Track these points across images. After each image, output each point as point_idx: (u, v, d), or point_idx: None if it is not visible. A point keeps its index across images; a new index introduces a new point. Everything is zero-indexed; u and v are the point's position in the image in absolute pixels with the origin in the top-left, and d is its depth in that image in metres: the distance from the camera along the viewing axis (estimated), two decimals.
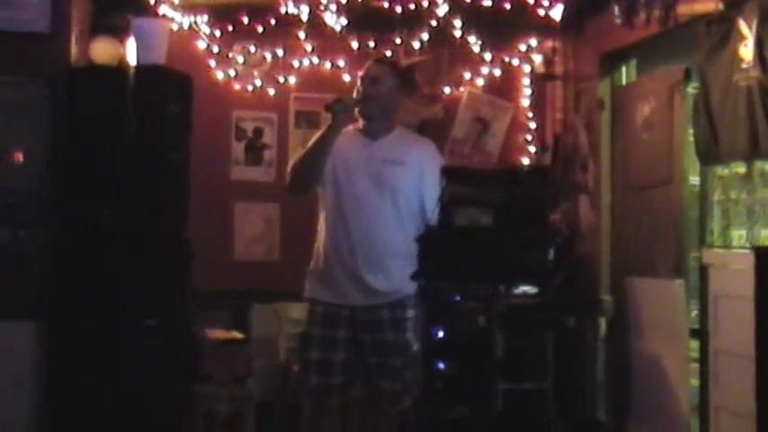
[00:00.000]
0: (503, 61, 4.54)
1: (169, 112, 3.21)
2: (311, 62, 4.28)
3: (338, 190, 2.57)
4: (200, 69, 4.15)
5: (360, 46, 4.28)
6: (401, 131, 2.72)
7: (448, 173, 4.03)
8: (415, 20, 4.19)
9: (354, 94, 2.65)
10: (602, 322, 4.07)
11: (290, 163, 2.69)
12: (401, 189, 2.55)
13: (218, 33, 4.27)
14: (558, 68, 4.54)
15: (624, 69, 4.13)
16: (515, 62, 4.58)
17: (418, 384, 2.58)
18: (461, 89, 4.56)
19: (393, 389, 2.52)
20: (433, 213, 2.46)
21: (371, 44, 4.30)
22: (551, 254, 3.73)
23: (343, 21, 4.16)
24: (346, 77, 4.27)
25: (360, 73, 2.70)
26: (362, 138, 2.66)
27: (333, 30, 4.22)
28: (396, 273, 2.50)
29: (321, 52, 4.31)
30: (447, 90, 4.53)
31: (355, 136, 2.71)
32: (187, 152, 3.33)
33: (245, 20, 4.20)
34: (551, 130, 4.59)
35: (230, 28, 4.23)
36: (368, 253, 2.50)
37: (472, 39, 4.42)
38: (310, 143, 2.62)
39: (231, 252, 4.26)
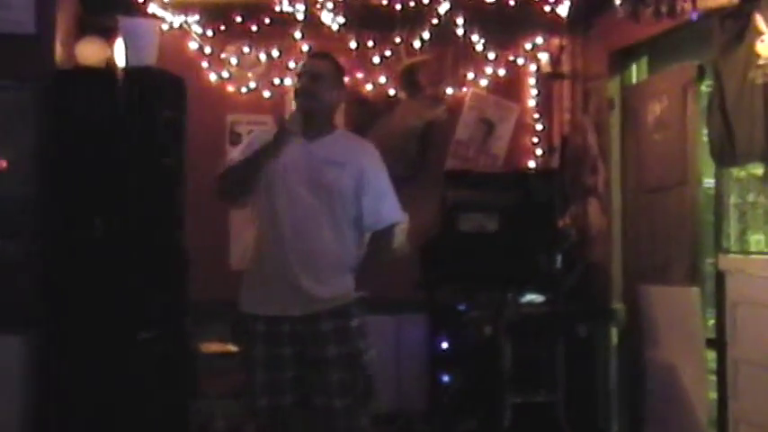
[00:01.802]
0: (508, 60, 4.53)
1: (162, 116, 3.20)
2: None
3: (272, 194, 2.48)
4: (193, 71, 4.16)
5: (358, 45, 4.28)
6: (342, 133, 2.67)
7: (452, 177, 4.36)
8: (416, 18, 4.18)
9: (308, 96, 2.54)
10: (615, 331, 4.02)
11: (221, 169, 2.55)
12: (339, 192, 2.47)
13: (210, 33, 4.27)
14: (566, 67, 4.52)
15: (635, 67, 4.10)
16: (521, 61, 4.57)
17: (377, 396, 2.50)
18: (465, 90, 4.54)
19: (344, 405, 2.43)
20: (372, 223, 2.45)
21: (370, 43, 4.32)
22: (560, 260, 4.04)
23: (341, 19, 4.15)
24: (345, 79, 4.29)
25: (298, 67, 2.62)
26: (300, 138, 2.55)
27: (330, 29, 4.20)
28: (334, 278, 2.45)
29: None
30: (450, 91, 4.51)
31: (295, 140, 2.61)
32: (181, 157, 3.32)
33: (239, 19, 4.19)
34: (559, 132, 4.56)
35: (223, 28, 4.23)
36: (304, 258, 2.42)
37: (475, 37, 4.41)
38: (251, 155, 2.51)
39: (227, 261, 4.19)
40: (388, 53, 4.36)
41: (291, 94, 2.60)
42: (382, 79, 4.43)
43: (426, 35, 4.32)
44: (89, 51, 3.48)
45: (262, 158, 2.41)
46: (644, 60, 4.04)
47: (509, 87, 4.62)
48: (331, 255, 2.43)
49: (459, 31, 4.34)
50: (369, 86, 4.44)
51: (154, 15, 4.02)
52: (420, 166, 4.48)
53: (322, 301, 2.42)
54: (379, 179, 2.52)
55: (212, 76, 4.36)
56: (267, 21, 4.19)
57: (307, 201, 2.44)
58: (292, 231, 2.42)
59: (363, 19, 4.18)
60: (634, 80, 4.11)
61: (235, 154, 2.58)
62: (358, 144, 2.62)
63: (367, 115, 4.41)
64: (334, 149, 2.51)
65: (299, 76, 2.53)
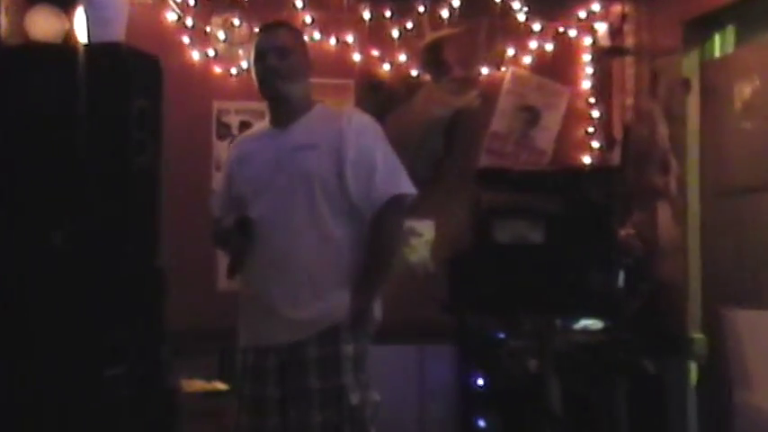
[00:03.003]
0: (556, 33, 4.48)
1: (133, 104, 3.13)
2: (312, 38, 4.21)
3: (245, 204, 2.55)
4: (171, 48, 4.13)
5: (373, 17, 4.26)
6: (321, 109, 2.60)
7: (486, 177, 4.21)
8: None
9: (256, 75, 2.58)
10: (693, 367, 3.99)
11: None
12: (318, 179, 2.45)
13: (192, 2, 4.21)
14: (629, 40, 4.45)
15: (718, 39, 4.03)
16: (572, 33, 4.51)
17: None
18: (503, 69, 4.50)
19: None
20: (366, 205, 2.40)
21: (388, 14, 4.28)
22: (622, 278, 3.85)
23: None
24: (356, 57, 4.30)
25: (254, 46, 2.59)
26: (271, 131, 2.59)
27: None
28: (317, 295, 2.42)
29: (324, 26, 4.28)
30: (485, 71, 4.46)
31: (262, 134, 2.66)
32: (157, 155, 3.28)
33: None
34: (620, 121, 4.50)
35: None
36: (279, 273, 2.43)
37: (516, 4, 4.36)
38: (216, 232, 2.63)
39: (213, 281, 4.16)
40: (408, 26, 4.34)
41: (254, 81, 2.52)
42: (402, 58, 4.40)
43: (456, 3, 4.30)
44: (42, 24, 3.49)
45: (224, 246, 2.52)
46: (729, 30, 3.97)
47: (558, 66, 4.56)
48: (312, 264, 2.40)
49: None
50: (385, 67, 4.41)
51: None
52: (447, 165, 4.46)
53: (304, 325, 2.41)
54: (365, 148, 2.45)
55: (195, 55, 4.30)
56: None
57: (280, 201, 2.44)
58: (266, 242, 2.42)
59: None
60: (716, 55, 4.04)
61: (217, 191, 2.68)
62: (335, 115, 2.56)
63: (382, 102, 4.36)
64: (308, 131, 2.51)
65: (259, 57, 2.50)
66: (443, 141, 4.46)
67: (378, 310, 2.47)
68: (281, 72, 2.48)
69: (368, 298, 2.40)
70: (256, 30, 3.88)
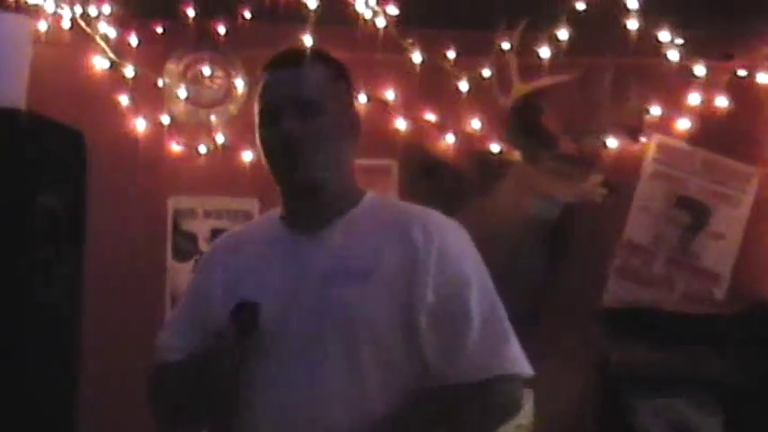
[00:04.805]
0: (732, 78, 4.15)
1: (39, 206, 3.20)
2: None
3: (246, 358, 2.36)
4: (102, 114, 4.01)
5: (426, 60, 4.02)
6: (374, 205, 2.37)
7: (617, 320, 4.04)
8: (541, 4, 3.87)
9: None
10: None
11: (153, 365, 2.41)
12: (363, 328, 2.24)
13: (134, 41, 4.03)
14: None
15: None
16: (762, 79, 4.17)
17: None
18: (644, 140, 4.17)
19: None
20: (445, 374, 2.20)
21: (451, 54, 4.02)
22: None
23: (393, 9, 3.91)
24: (400, 123, 4.13)
25: (259, 95, 2.29)
26: (286, 234, 2.34)
27: (369, 26, 3.99)
28: None
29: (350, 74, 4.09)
30: (612, 143, 4.11)
31: (270, 237, 2.38)
32: (76, 282, 3.39)
33: (190, 12, 3.94)
34: None
35: (160, 30, 4.01)
36: None
37: (664, 35, 4.01)
38: (184, 366, 2.32)
39: None
40: (485, 73, 4.00)
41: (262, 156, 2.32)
42: (474, 124, 4.14)
43: (562, 34, 3.92)
44: None
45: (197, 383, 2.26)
46: None
47: (737, 133, 4.18)
48: None
49: (633, 24, 3.98)
50: (447, 139, 4.19)
51: (24, 4, 3.78)
52: (552, 296, 4.08)
53: None
54: (455, 285, 2.22)
55: (140, 124, 4.07)
56: (247, 15, 3.95)
57: (300, 362, 2.26)
58: (277, 419, 2.27)
59: (434, 8, 3.90)
60: None
61: (169, 325, 2.48)
62: (401, 219, 2.33)
63: (443, 194, 4.14)
64: (354, 245, 2.29)
65: (268, 116, 2.25)
66: (546, 258, 4.11)
67: None
68: (312, 143, 2.21)
69: None
70: (239, 80, 4.12)
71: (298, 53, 2.36)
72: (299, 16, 3.93)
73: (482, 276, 2.28)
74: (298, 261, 2.28)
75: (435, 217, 2.34)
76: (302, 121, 2.18)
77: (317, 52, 2.35)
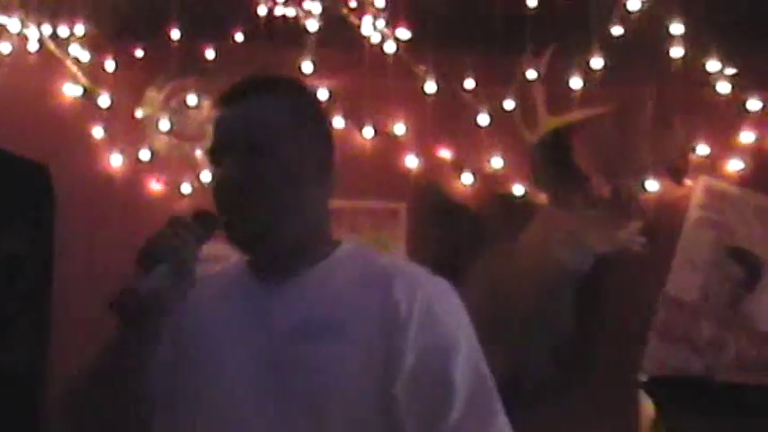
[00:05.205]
0: None
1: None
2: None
3: (190, 414, 2.11)
4: (72, 147, 3.91)
5: (441, 87, 3.89)
6: (349, 256, 2.19)
7: (660, 392, 4.02)
8: (571, 23, 3.76)
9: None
10: None
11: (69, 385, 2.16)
12: (335, 397, 2.05)
13: (110, 65, 3.93)
14: None
15: None
16: None
17: None
18: (688, 182, 4.12)
19: None
20: None
21: (469, 84, 3.91)
22: None
23: (404, 33, 3.84)
24: (410, 160, 4.01)
25: (210, 131, 2.08)
26: (252, 282, 2.14)
27: (376, 50, 3.87)
28: None
29: (352, 105, 4.05)
30: (652, 185, 4.07)
31: (233, 282, 2.20)
32: (39, 347, 3.44)
33: (175, 34, 3.86)
34: None
35: (140, 53, 3.92)
36: None
37: (714, 65, 3.94)
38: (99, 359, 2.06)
39: None
40: (507, 105, 3.91)
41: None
42: (495, 163, 4.07)
43: (596, 62, 3.83)
44: None
45: (116, 362, 2.00)
46: None
47: None
48: None
49: (677, 51, 3.90)
50: (464, 179, 4.12)
51: None
52: (583, 359, 4.03)
53: None
54: (437, 350, 2.04)
55: (115, 159, 4.00)
56: (239, 36, 3.87)
57: (261, 425, 2.07)
58: None
59: (451, 30, 3.83)
60: None
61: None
62: (378, 272, 2.14)
63: (458, 241, 4.07)
64: (324, 297, 2.11)
65: (212, 159, 2.08)
66: (576, 315, 4.01)
67: None
68: (255, 192, 2.03)
69: None
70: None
71: (247, 85, 2.14)
72: (297, 39, 3.88)
73: (470, 342, 2.11)
74: (259, 313, 2.08)
75: (421, 272, 2.13)
76: (246, 165, 2.02)
77: (271, 82, 2.14)
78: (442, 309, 2.09)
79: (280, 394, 2.06)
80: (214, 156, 2.07)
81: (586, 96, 3.94)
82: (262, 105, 2.11)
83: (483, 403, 2.08)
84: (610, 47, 3.91)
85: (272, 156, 2.05)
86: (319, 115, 2.15)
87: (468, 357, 2.09)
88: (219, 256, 3.79)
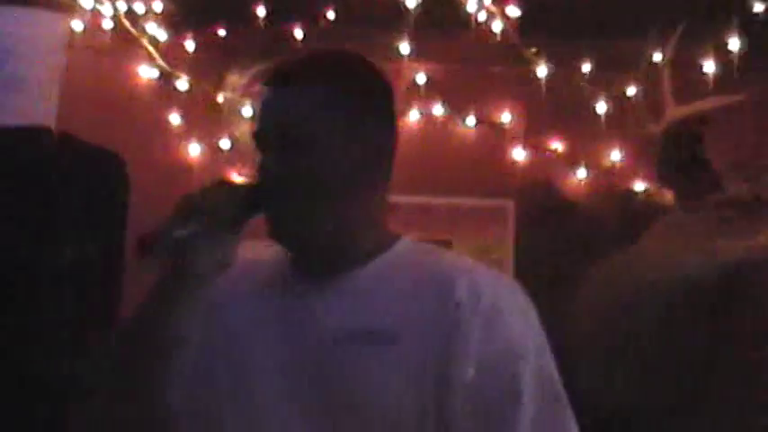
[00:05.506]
0: None
1: (67, 254, 3.07)
2: (424, 113, 3.93)
3: (222, 420, 1.98)
4: (147, 136, 3.86)
5: (552, 73, 3.82)
6: (407, 255, 2.03)
7: None
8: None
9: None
10: None
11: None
12: (382, 407, 1.92)
13: (190, 46, 3.88)
14: None
15: None
16: None
17: None
18: None
19: None
20: None
21: (586, 68, 3.82)
22: None
23: (514, 11, 3.74)
24: (518, 153, 3.94)
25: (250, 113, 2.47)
26: (294, 278, 1.98)
27: (484, 30, 3.79)
28: None
29: (451, 90, 3.97)
30: None
31: (276, 277, 2.02)
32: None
33: (261, 12, 3.73)
34: None
35: (221, 33, 3.83)
36: None
37: None
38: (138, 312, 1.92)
39: None
40: (629, 91, 3.79)
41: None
42: (613, 156, 3.95)
43: (734, 43, 3.66)
44: None
45: (153, 316, 1.82)
46: None
47: None
48: None
49: None
50: (579, 173, 4.00)
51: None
52: (715, 385, 3.16)
53: None
54: (502, 360, 1.92)
55: (193, 148, 3.91)
56: (330, 14, 3.76)
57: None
58: None
59: (566, 10, 3.67)
60: None
61: None
62: (439, 274, 2.00)
63: (567, 244, 3.97)
64: (377, 299, 1.98)
65: (255, 141, 1.95)
66: (708, 335, 3.32)
67: None
68: (294, 189, 1.91)
69: None
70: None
71: (290, 67, 1.97)
72: (395, 18, 3.77)
73: (541, 349, 1.98)
74: (301, 314, 1.97)
75: (487, 271, 2.04)
76: (286, 161, 1.89)
77: (318, 64, 1.97)
78: (509, 310, 1.97)
79: (322, 403, 1.94)
80: (258, 145, 1.96)
81: (721, 82, 3.74)
82: (302, 93, 1.94)
83: (554, 420, 1.93)
84: (750, 26, 3.71)
85: (313, 151, 1.92)
86: (379, 101, 1.96)
87: (539, 366, 1.95)
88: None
